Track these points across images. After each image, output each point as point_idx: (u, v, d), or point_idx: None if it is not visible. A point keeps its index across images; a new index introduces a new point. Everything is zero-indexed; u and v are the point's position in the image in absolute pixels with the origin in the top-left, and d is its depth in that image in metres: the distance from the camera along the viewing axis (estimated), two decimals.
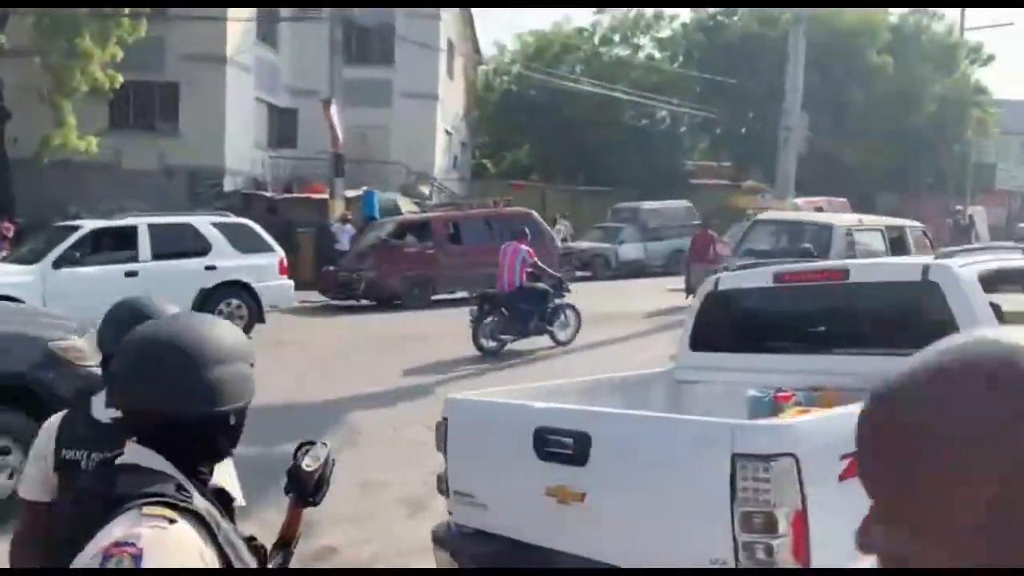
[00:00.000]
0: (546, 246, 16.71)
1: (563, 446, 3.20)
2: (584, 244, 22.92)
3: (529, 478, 3.32)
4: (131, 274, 11.27)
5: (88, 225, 11.83)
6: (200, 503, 1.44)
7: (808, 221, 13.31)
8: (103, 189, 20.18)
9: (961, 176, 35.59)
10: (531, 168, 36.24)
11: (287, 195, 22.23)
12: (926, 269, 3.87)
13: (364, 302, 15.61)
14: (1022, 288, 4.42)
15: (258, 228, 12.80)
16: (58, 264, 11.07)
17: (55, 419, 2.26)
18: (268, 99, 24.54)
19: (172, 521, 1.36)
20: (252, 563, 1.50)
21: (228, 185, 21.91)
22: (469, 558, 3.55)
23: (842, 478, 2.79)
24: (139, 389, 1.47)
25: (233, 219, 12.87)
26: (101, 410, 2.09)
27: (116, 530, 1.34)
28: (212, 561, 1.38)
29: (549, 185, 30.90)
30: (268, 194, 22.15)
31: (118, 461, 1.50)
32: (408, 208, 20.98)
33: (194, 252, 11.87)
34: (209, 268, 11.86)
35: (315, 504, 1.84)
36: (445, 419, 3.73)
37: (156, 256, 11.62)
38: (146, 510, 1.36)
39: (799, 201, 19.73)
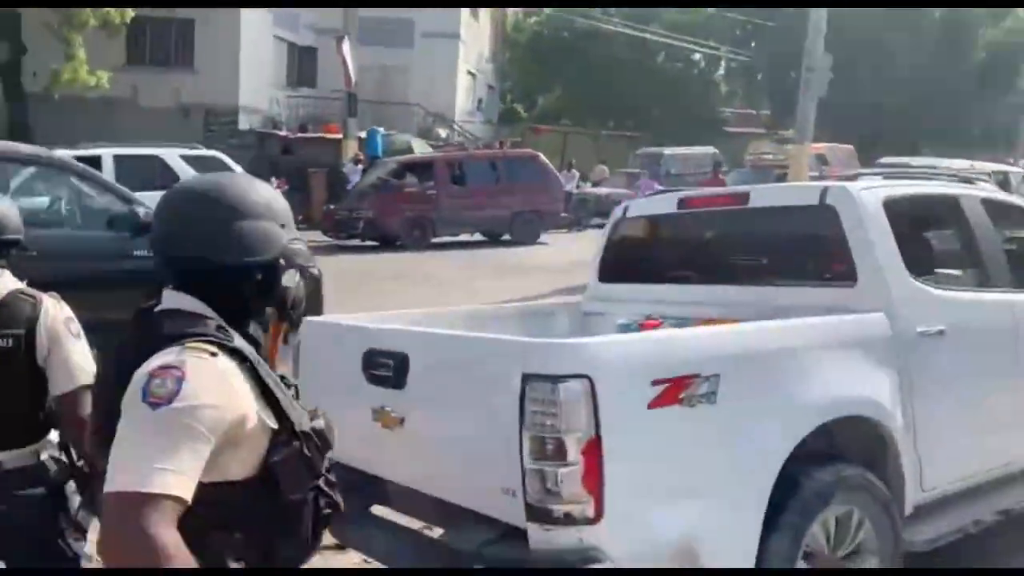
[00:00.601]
0: (550, 190, 16.41)
1: (386, 368, 2.99)
2: (603, 190, 22.48)
3: (360, 402, 3.12)
4: None
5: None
6: (240, 343, 1.53)
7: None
8: (119, 126, 20.22)
9: (1012, 128, 34.08)
10: (563, 113, 35.59)
11: (301, 135, 22.08)
12: (824, 192, 3.55)
13: (369, 242, 15.49)
14: (941, 220, 4.08)
15: (228, 160, 12.46)
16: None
17: None
18: (288, 37, 24.28)
19: (214, 354, 1.47)
20: (291, 396, 1.58)
21: (243, 124, 21.83)
22: None
23: (652, 406, 2.55)
24: (173, 235, 1.59)
25: (203, 151, 12.55)
26: None
27: (160, 360, 1.45)
28: (248, 394, 1.48)
29: (574, 130, 30.28)
30: (282, 133, 22.04)
31: (158, 308, 1.59)
32: (422, 150, 20.70)
33: (162, 184, 11.59)
34: None
35: (292, 321, 1.73)
36: (298, 342, 3.55)
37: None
38: (189, 344, 1.48)
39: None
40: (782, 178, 17.66)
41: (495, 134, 29.76)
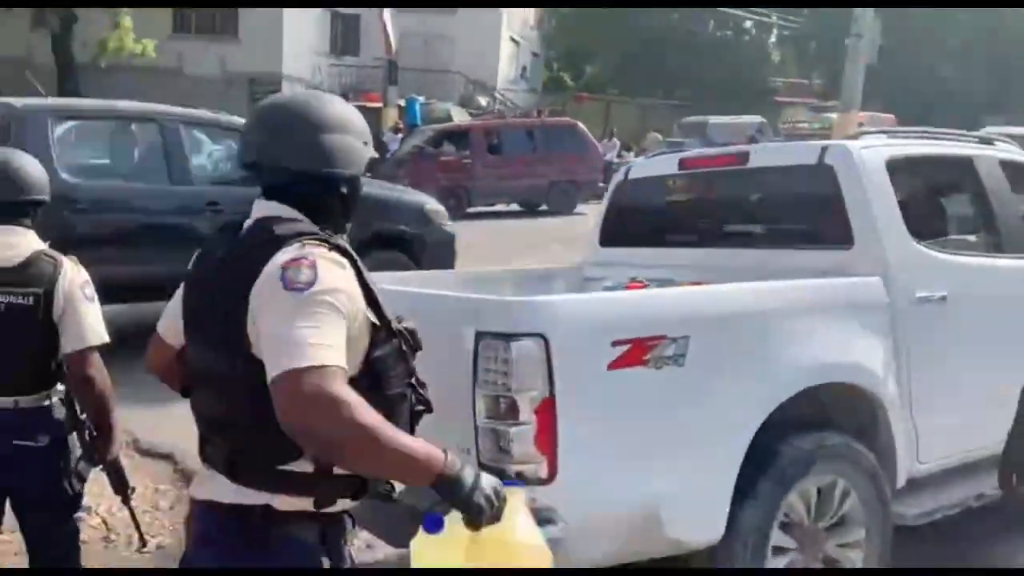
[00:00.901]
0: (589, 159, 16.21)
1: None
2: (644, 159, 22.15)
3: None
4: None
5: None
6: (344, 243, 1.61)
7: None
8: (166, 94, 20.45)
9: None
10: (610, 82, 35.13)
11: (294, 92, 22.13)
12: (823, 151, 3.40)
13: None
14: (952, 182, 3.89)
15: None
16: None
17: None
18: (331, 5, 24.29)
19: (330, 251, 1.55)
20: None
21: (286, 92, 21.96)
22: None
23: (613, 367, 2.47)
24: (263, 144, 1.66)
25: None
26: None
27: (287, 255, 1.52)
28: (357, 291, 1.55)
29: (617, 98, 29.88)
30: None
31: (256, 216, 1.65)
32: (461, 119, 20.61)
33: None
34: None
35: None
36: None
37: None
38: (307, 240, 1.55)
39: (836, 116, 18.50)
40: None
41: (539, 103, 29.51)
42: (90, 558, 3.92)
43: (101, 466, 2.77)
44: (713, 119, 24.09)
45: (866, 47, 15.68)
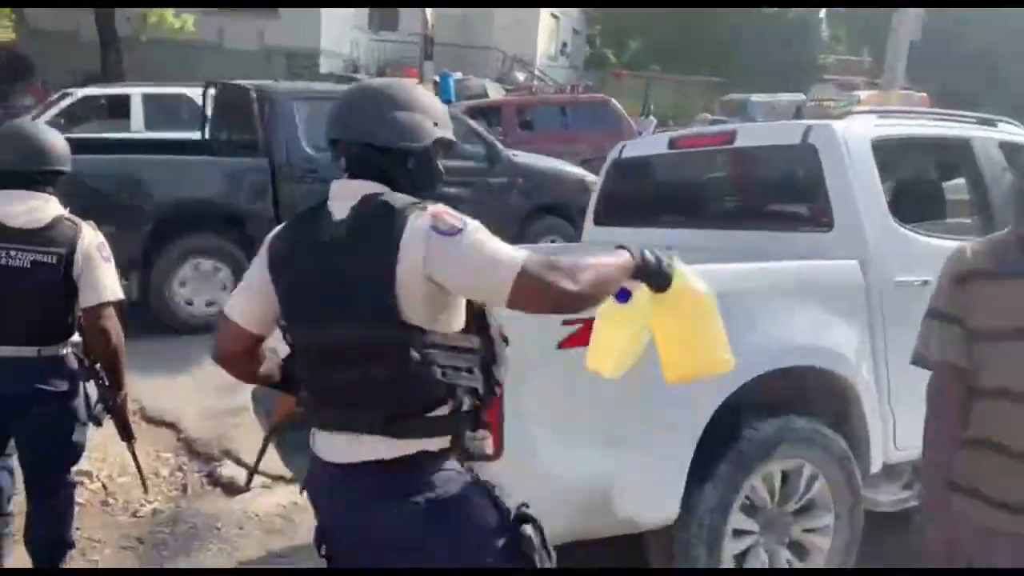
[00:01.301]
0: (622, 136, 16.02)
1: None
2: None
3: None
4: None
5: (77, 92, 11.54)
6: None
7: None
8: (206, 68, 20.70)
9: None
10: (654, 58, 34.61)
11: (380, 78, 22.20)
12: (807, 130, 3.34)
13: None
14: (946, 163, 3.79)
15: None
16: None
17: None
18: None
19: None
20: None
21: (324, 67, 22.05)
22: (264, 414, 3.44)
23: (564, 345, 2.47)
24: (341, 120, 1.86)
25: None
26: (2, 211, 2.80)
27: (421, 219, 1.72)
28: None
29: (657, 75, 29.46)
30: (360, 76, 22.15)
31: (362, 195, 1.79)
32: (497, 95, 20.52)
33: (190, 125, 10.91)
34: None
35: None
36: None
37: (150, 126, 11.21)
38: (419, 206, 1.75)
39: (863, 95, 17.99)
40: None
41: (580, 80, 29.24)
42: (88, 519, 4.06)
43: (109, 414, 3.11)
44: (754, 97, 23.68)
45: (908, 22, 15.26)
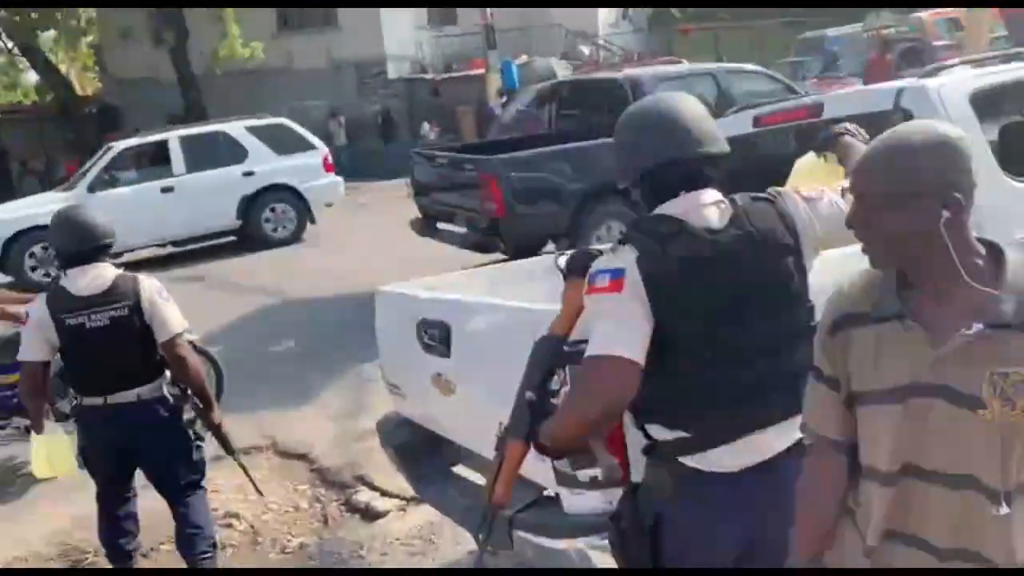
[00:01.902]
0: None
1: (433, 337, 3.07)
2: None
3: (423, 368, 3.23)
4: (167, 190, 11.38)
5: (117, 145, 11.75)
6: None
7: None
8: (281, 91, 21.31)
9: None
10: (720, 6, 33.64)
11: (446, 75, 22.32)
12: (899, 94, 3.23)
13: None
14: None
15: (296, 126, 12.38)
16: (92, 188, 10.95)
17: (42, 296, 3.56)
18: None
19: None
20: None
21: (392, 72, 22.34)
22: (392, 449, 3.57)
23: None
24: (685, 139, 1.95)
25: (269, 120, 12.42)
26: (74, 287, 3.45)
27: (785, 200, 2.01)
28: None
29: (726, 24, 28.61)
30: (428, 76, 22.36)
31: (733, 197, 1.98)
32: (563, 74, 20.36)
33: (231, 160, 11.65)
34: (247, 174, 11.65)
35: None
36: (373, 310, 3.70)
37: (191, 168, 11.53)
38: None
39: (924, 15, 16.88)
40: (909, 53, 15.96)
41: (646, 42, 28.69)
42: (239, 559, 4.29)
43: (209, 431, 3.71)
44: (832, 31, 22.73)
45: None
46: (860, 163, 1.53)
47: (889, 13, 22.22)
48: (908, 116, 3.16)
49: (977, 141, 3.12)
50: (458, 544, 4.03)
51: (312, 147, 12.33)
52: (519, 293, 3.52)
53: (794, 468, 1.76)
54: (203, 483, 3.71)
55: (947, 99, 3.12)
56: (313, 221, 12.14)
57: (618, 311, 1.83)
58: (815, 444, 1.65)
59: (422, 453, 3.44)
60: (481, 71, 21.04)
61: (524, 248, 6.78)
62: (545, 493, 2.64)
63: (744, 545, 1.94)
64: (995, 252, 1.47)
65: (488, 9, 19.63)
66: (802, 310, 1.95)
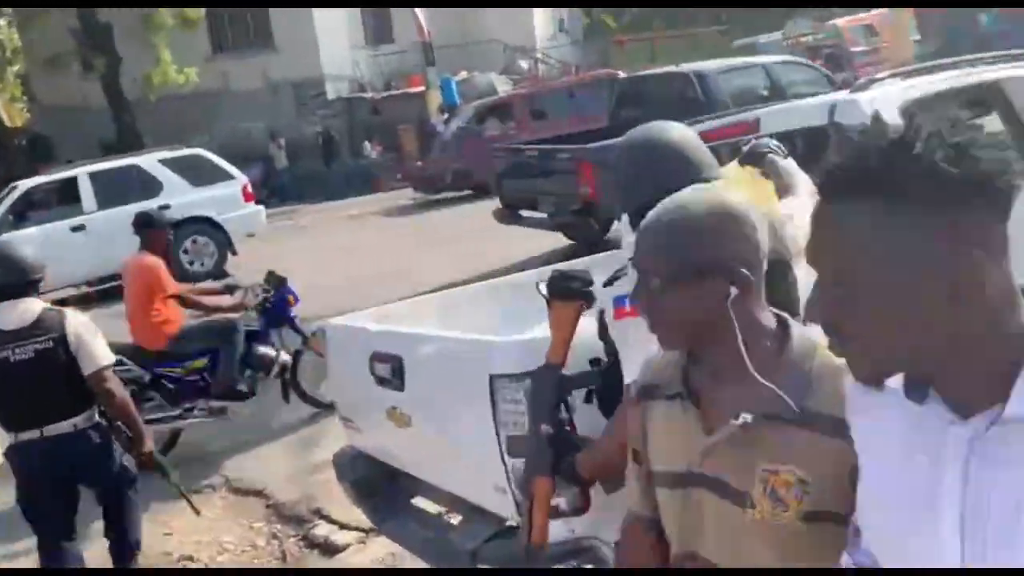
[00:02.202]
0: None
1: (386, 371, 3.04)
2: None
3: (377, 402, 3.19)
4: (77, 228, 10.90)
5: (23, 184, 11.29)
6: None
7: None
8: (218, 114, 21.03)
9: None
10: (655, 15, 34.08)
11: (386, 93, 22.25)
12: (832, 109, 3.30)
13: (466, 192, 15.48)
14: (981, 112, 3.70)
15: (213, 157, 12.02)
16: None
17: None
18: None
19: None
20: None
21: (331, 92, 22.19)
22: (349, 483, 3.51)
23: None
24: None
25: (183, 151, 12.06)
26: (1, 321, 3.49)
27: None
28: None
29: (661, 35, 29.07)
30: (368, 95, 22.26)
31: None
32: (504, 89, 20.46)
33: (144, 194, 10.94)
34: (163, 208, 10.69)
35: None
36: (327, 343, 3.64)
37: (103, 205, 10.99)
38: None
39: (841, 22, 17.46)
40: (832, 59, 16.45)
41: (584, 54, 28.95)
42: None
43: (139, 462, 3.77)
44: (763, 38, 23.25)
45: None
46: (640, 239, 1.40)
47: (807, 20, 22.78)
48: (841, 130, 3.23)
49: None
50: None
51: (231, 177, 11.92)
52: (467, 319, 3.52)
53: None
54: (134, 493, 3.82)
55: (879, 112, 3.18)
56: (234, 252, 11.65)
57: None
58: (626, 520, 1.56)
59: (380, 487, 3.39)
60: (421, 88, 21.05)
61: (610, 226, 7.56)
62: (507, 524, 2.62)
63: None
64: (784, 328, 1.37)
65: (425, 26, 19.65)
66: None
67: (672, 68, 10.73)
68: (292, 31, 21.49)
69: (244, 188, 12.00)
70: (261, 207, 12.37)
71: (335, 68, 22.58)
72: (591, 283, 2.04)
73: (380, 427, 3.22)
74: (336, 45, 22.52)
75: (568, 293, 1.96)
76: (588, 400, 2.17)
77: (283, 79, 21.90)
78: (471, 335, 2.73)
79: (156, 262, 5.50)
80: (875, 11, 17.95)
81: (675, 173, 1.88)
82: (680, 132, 2.02)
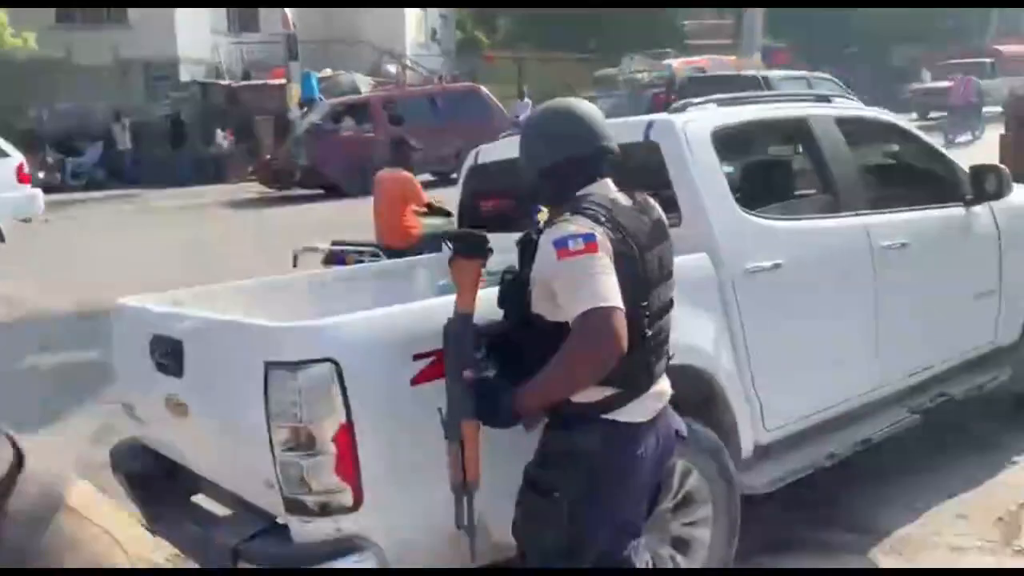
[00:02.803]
0: (495, 123, 16.01)
1: (165, 355, 2.84)
2: None
3: (155, 389, 2.98)
4: None
5: None
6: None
7: None
8: (57, 88, 19.70)
9: (984, 19, 33.40)
10: (525, 36, 34.61)
11: (245, 82, 21.51)
12: (648, 127, 3.35)
13: (318, 190, 15.12)
14: (786, 145, 3.89)
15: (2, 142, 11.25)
16: None
17: None
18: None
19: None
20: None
21: (184, 75, 21.23)
22: (123, 476, 3.27)
23: (417, 381, 2.40)
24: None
25: None
26: None
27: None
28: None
29: (529, 56, 29.56)
30: (225, 82, 21.44)
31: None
32: (366, 90, 20.17)
33: None
34: None
35: None
36: (111, 326, 3.39)
37: None
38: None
39: (675, 63, 18.53)
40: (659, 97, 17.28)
41: (453, 66, 29.01)
42: None
43: None
44: (626, 66, 23.94)
45: None
46: None
47: (642, 57, 23.72)
48: (656, 148, 3.30)
49: (717, 178, 3.29)
50: None
51: (5, 155, 11.04)
52: (273, 308, 3.36)
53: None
54: None
55: (691, 134, 3.27)
56: (2, 239, 10.63)
57: (605, 268, 2.03)
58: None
59: (157, 482, 3.17)
60: (282, 81, 20.44)
61: None
62: (276, 521, 2.48)
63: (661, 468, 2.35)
64: None
65: (291, 18, 19.13)
66: (672, 286, 2.33)
67: (742, 72, 14.18)
68: (150, 8, 20.43)
69: (19, 167, 11.04)
70: (38, 191, 11.43)
71: (192, 51, 21.64)
72: (487, 241, 2.27)
73: (159, 417, 3.01)
74: (196, 27, 21.60)
75: (470, 250, 2.21)
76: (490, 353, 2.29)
77: (134, 57, 20.78)
78: (251, 320, 2.58)
79: None
80: (707, 56, 18.92)
81: (586, 138, 2.27)
82: (589, 106, 2.36)
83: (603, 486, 2.16)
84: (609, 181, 2.28)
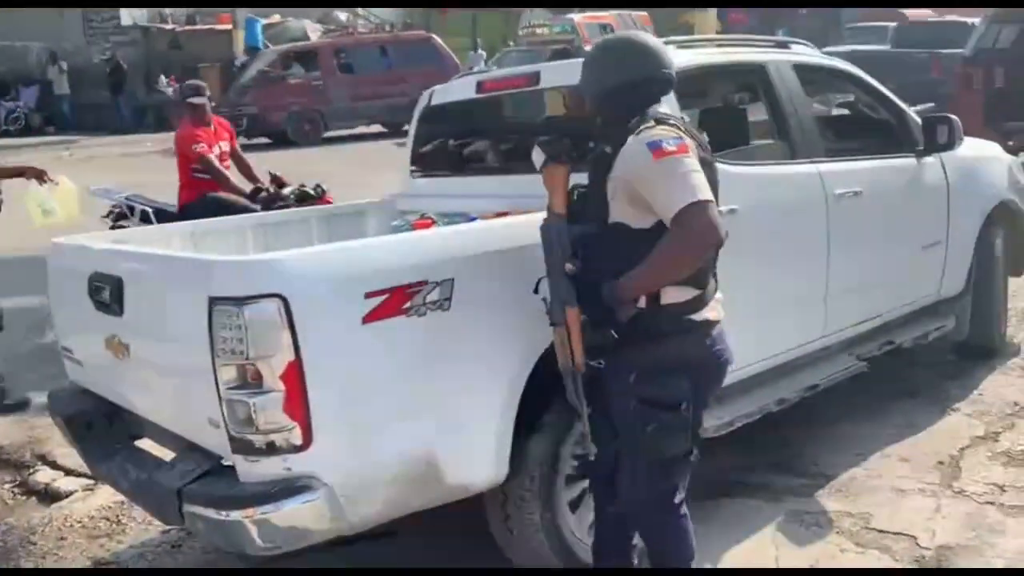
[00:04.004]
0: (447, 73, 15.74)
1: (105, 293, 2.73)
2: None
3: (96, 329, 2.87)
4: None
5: None
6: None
7: None
8: None
9: None
10: None
11: (189, 27, 20.81)
12: None
13: (259, 140, 14.76)
14: (743, 90, 3.86)
15: None
16: None
17: None
18: None
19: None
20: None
21: (125, 19, 20.44)
22: (62, 420, 3.16)
23: (368, 320, 2.34)
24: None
25: None
26: None
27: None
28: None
29: (483, 8, 29.06)
30: (169, 27, 20.73)
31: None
32: (315, 37, 19.67)
33: None
34: None
35: None
36: (47, 266, 3.25)
37: None
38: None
39: (578, 18, 17.91)
40: (559, 55, 17.09)
41: (409, 17, 28.39)
42: None
43: None
44: (578, 16, 23.59)
45: None
46: None
47: (543, 12, 23.10)
48: None
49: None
50: (149, 525, 3.68)
51: None
52: (220, 248, 3.25)
53: None
54: None
55: None
56: None
57: (697, 167, 2.19)
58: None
59: (99, 426, 3.07)
60: (228, 27, 19.85)
61: None
62: (221, 462, 2.42)
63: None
64: None
65: None
66: None
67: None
68: None
69: None
70: None
71: None
72: (573, 147, 2.42)
73: (99, 358, 2.91)
74: None
75: (558, 155, 2.35)
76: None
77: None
78: (193, 254, 2.48)
79: None
80: (614, 11, 18.46)
81: (653, 63, 2.38)
82: (651, 37, 2.47)
83: (708, 384, 2.45)
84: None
